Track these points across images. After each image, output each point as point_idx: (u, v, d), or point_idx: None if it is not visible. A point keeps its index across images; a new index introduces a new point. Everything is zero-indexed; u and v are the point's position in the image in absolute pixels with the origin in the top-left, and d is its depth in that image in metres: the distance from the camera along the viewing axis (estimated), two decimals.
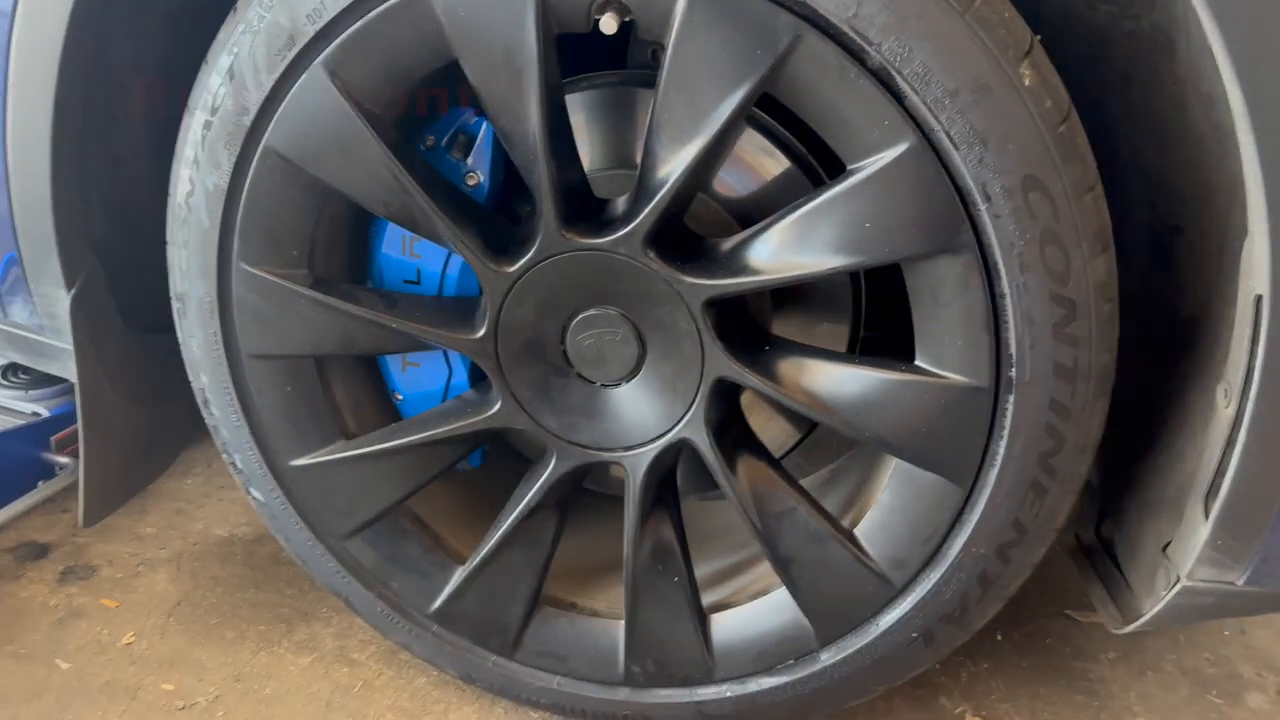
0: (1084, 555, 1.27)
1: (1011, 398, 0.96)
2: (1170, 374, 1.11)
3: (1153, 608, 1.07)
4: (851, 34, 0.86)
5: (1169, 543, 1.05)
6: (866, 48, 0.86)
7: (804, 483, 1.20)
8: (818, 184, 1.16)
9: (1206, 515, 0.98)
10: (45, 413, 1.72)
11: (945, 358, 0.97)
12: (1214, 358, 1.02)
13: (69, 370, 1.33)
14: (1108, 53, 1.12)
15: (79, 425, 1.36)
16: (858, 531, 1.09)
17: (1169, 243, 1.11)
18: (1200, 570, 1.00)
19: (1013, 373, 0.95)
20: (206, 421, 1.22)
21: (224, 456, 1.23)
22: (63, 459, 1.70)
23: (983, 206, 0.89)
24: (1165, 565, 1.05)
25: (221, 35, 1.03)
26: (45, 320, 1.31)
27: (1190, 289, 1.07)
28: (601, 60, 1.23)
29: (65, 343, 1.29)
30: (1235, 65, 0.80)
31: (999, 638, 1.50)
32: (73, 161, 1.20)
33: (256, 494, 1.23)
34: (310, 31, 0.96)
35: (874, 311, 1.25)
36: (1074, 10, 1.14)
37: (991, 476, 1.00)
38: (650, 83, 1.13)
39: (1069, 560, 1.30)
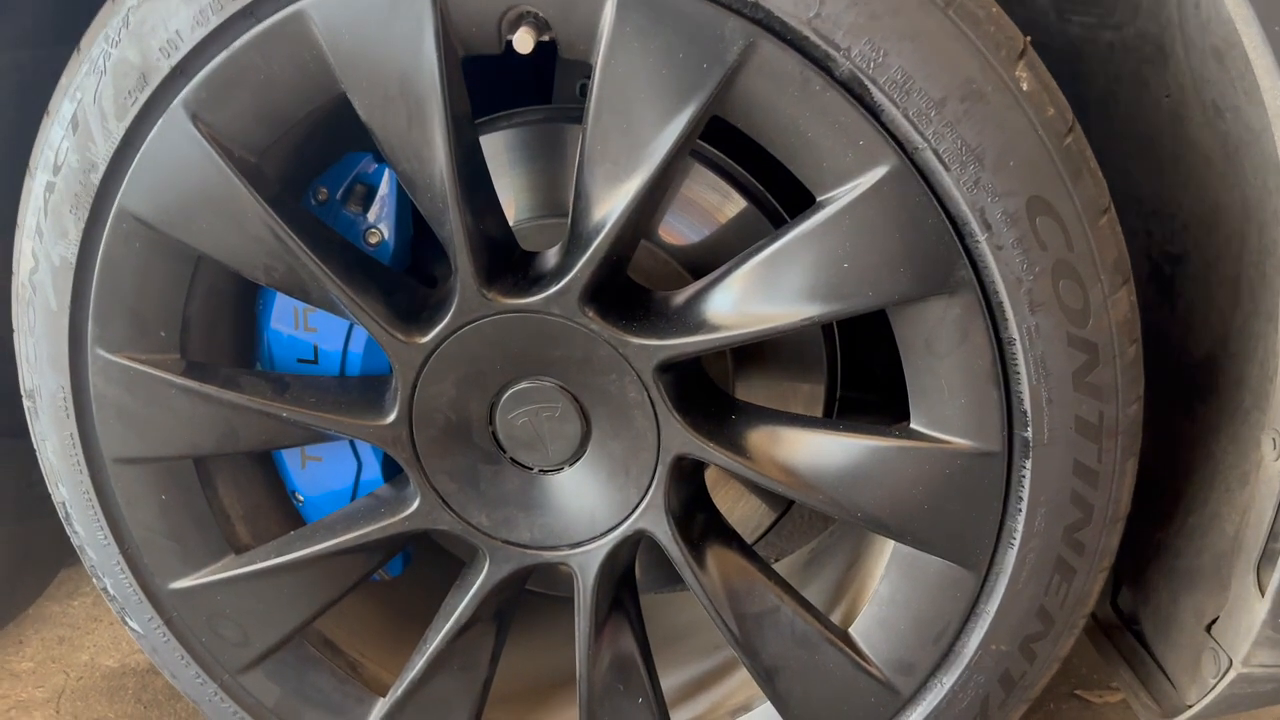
0: (1101, 631, 1.17)
1: (1028, 463, 0.85)
2: (1189, 422, 1.02)
3: (1200, 698, 0.97)
4: (814, 38, 0.76)
5: (1214, 621, 0.96)
6: (833, 54, 0.76)
7: (781, 566, 1.06)
8: (779, 226, 1.06)
9: (1261, 590, 0.89)
10: None
11: (946, 419, 0.86)
12: (1240, 402, 0.94)
13: None
14: (1086, 69, 1.06)
15: None
16: (854, 631, 0.96)
17: (1170, 274, 1.03)
18: (1258, 654, 0.90)
19: (1028, 433, 0.84)
20: (71, 540, 1.06)
21: (95, 581, 1.07)
22: None
23: (981, 237, 0.79)
24: (1212, 648, 0.96)
25: (63, 80, 0.91)
26: None
27: (1202, 325, 0.99)
28: (524, 98, 1.13)
29: None
30: None
31: None
32: None
33: (134, 624, 1.07)
34: (165, 67, 0.85)
35: (852, 367, 1.14)
36: (1042, 23, 1.08)
37: (1010, 558, 0.89)
38: (580, 118, 1.01)
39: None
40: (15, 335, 0.99)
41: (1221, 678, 0.93)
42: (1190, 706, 0.97)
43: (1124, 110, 1.02)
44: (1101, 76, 1.03)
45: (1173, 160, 0.97)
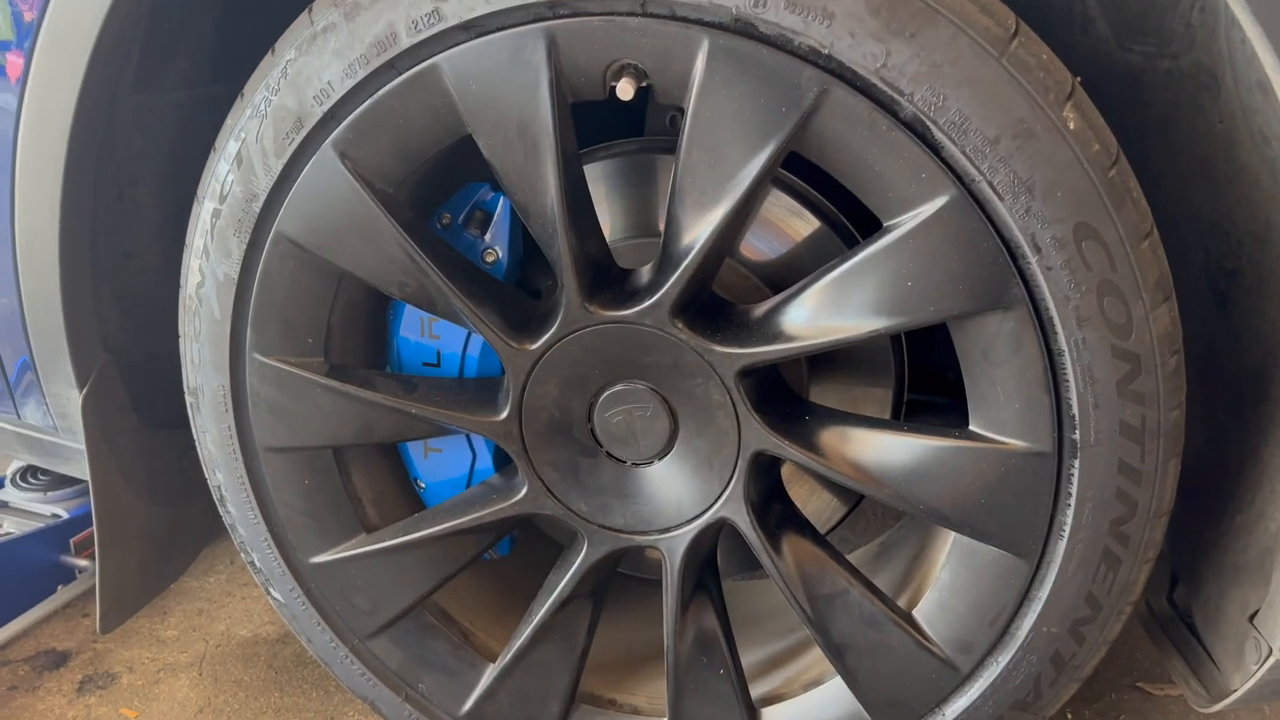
0: (1157, 624, 1.19)
1: (1076, 462, 0.90)
2: (1240, 426, 1.05)
3: (1243, 684, 1.00)
4: (881, 85, 0.82)
5: (1256, 611, 0.98)
6: (898, 98, 0.82)
7: (851, 559, 1.14)
8: (851, 244, 1.12)
9: None
10: (64, 514, 1.68)
11: (1002, 421, 0.91)
12: None
13: (83, 470, 1.29)
14: (1145, 95, 1.08)
15: (94, 527, 1.32)
16: (917, 613, 1.01)
17: (1226, 288, 1.06)
18: None
19: (1076, 435, 0.89)
20: (224, 519, 1.17)
21: (242, 555, 1.18)
22: (82, 562, 1.65)
23: (1033, 259, 0.84)
24: (1254, 637, 0.98)
25: (229, 121, 1.01)
26: (58, 421, 1.27)
27: (1254, 336, 1.01)
28: (619, 130, 1.20)
29: (78, 442, 1.26)
30: None
31: (1068, 716, 1.40)
32: (82, 256, 1.17)
33: (276, 594, 1.18)
34: (318, 112, 0.94)
35: (918, 374, 1.19)
36: (1106, 52, 1.10)
37: (1060, 548, 0.93)
38: (670, 149, 1.09)
39: (1139, 628, 1.22)
40: (181, 341, 1.09)
41: (1262, 664, 0.95)
42: (1234, 691, 1.00)
43: (1182, 134, 1.04)
44: (1160, 102, 1.05)
45: (1227, 181, 0.99)
